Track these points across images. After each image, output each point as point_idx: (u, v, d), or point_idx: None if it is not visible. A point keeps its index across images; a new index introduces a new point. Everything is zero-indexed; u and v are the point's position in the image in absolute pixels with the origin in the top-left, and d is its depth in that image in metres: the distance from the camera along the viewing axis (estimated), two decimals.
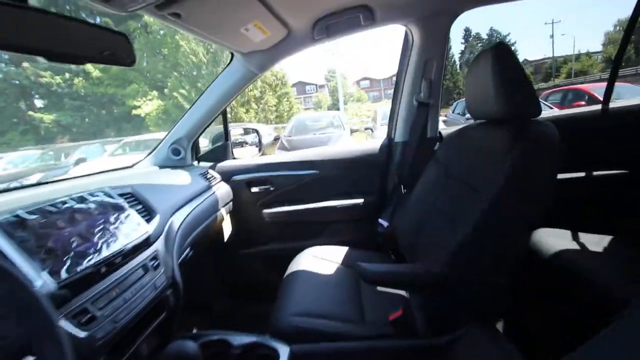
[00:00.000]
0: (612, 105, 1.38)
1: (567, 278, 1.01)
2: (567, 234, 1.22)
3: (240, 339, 0.86)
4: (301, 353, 0.82)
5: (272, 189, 1.53)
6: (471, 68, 0.93)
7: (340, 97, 15.76)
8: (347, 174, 1.51)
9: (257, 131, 1.88)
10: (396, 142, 1.47)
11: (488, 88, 0.84)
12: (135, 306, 0.69)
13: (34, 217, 0.62)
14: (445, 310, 0.82)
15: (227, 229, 1.44)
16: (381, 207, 1.45)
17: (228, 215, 1.44)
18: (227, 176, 1.52)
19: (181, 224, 1.01)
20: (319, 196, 1.52)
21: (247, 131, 1.91)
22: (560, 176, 1.32)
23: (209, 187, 1.34)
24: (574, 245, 1.14)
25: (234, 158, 1.65)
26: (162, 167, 1.41)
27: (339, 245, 1.33)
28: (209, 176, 1.41)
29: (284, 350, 0.82)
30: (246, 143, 2.05)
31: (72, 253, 0.62)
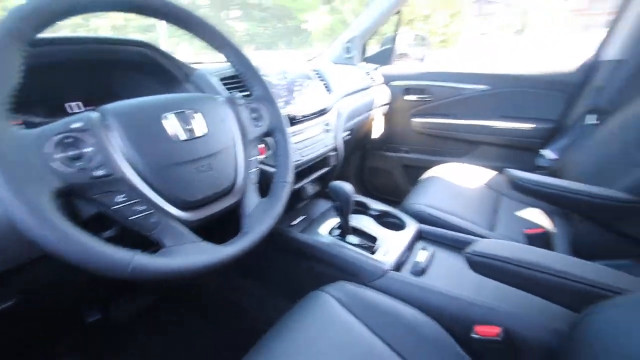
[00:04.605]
0: None
1: None
2: None
3: (376, 205, 1.04)
4: (426, 232, 0.94)
5: (428, 99, 1.53)
6: None
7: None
8: (522, 94, 1.35)
9: (424, 39, 1.80)
10: (602, 61, 1.18)
11: None
12: (312, 152, 0.92)
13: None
14: (597, 237, 0.76)
15: (377, 129, 1.57)
16: (552, 138, 1.28)
17: (383, 116, 1.56)
18: (387, 80, 1.59)
19: (346, 109, 1.19)
20: (479, 114, 1.44)
21: (417, 40, 1.84)
22: None
23: (370, 86, 1.46)
24: None
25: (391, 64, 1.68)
26: (334, 63, 1.59)
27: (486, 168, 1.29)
28: (371, 76, 1.51)
29: (413, 225, 0.95)
30: (407, 56, 1.98)
31: (281, 101, 0.86)
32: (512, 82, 1.36)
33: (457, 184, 1.18)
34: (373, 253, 0.83)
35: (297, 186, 0.93)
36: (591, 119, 1.14)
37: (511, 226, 0.95)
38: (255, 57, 0.88)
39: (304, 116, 0.91)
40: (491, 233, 0.92)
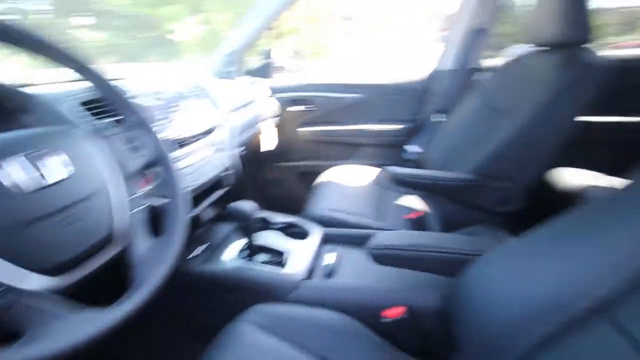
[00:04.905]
0: None
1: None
2: (593, 175, 1.26)
3: (279, 218, 1.04)
4: (331, 235, 1.00)
5: (313, 108, 1.63)
6: None
7: None
8: (388, 100, 1.58)
9: (299, 52, 1.91)
10: (441, 71, 1.48)
11: (549, 8, 0.86)
12: (205, 174, 0.87)
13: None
14: (459, 212, 0.95)
15: (270, 140, 1.59)
16: (413, 135, 1.53)
17: (275, 128, 1.58)
18: (273, 92, 1.62)
19: (237, 124, 1.16)
20: (358, 119, 1.61)
21: (293, 53, 1.93)
22: (606, 119, 1.32)
23: (256, 99, 1.46)
24: (595, 184, 1.19)
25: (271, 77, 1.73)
26: (216, 77, 1.53)
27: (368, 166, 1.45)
28: (257, 89, 1.52)
29: (317, 231, 0.99)
30: (283, 68, 2.06)
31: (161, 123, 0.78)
32: (379, 90, 1.58)
33: (348, 184, 1.29)
34: (283, 267, 0.83)
35: (193, 213, 0.86)
36: (439, 117, 1.41)
37: (396, 215, 1.09)
38: (121, 71, 0.77)
39: (191, 137, 0.84)
40: (382, 224, 1.04)
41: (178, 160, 0.78)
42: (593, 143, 1.19)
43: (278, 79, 1.69)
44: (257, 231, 0.97)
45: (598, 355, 0.37)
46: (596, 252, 0.42)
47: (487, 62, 1.45)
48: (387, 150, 1.63)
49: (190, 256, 0.86)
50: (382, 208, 1.14)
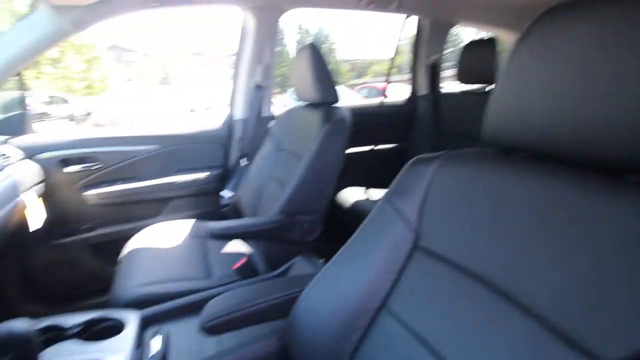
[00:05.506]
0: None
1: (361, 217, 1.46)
2: (362, 190, 1.71)
3: (74, 319, 0.80)
4: (152, 315, 0.86)
5: (96, 167, 1.37)
6: (295, 60, 1.18)
7: None
8: (190, 149, 1.54)
9: (64, 99, 1.57)
10: (236, 120, 1.60)
11: (305, 77, 1.10)
12: None
13: None
14: (278, 249, 1.05)
15: (37, 216, 1.20)
16: (225, 180, 1.56)
17: (40, 199, 1.20)
18: (30, 153, 1.25)
19: None
20: (158, 172, 1.48)
21: (54, 100, 1.55)
22: (357, 149, 1.82)
23: (4, 166, 1.08)
24: (365, 197, 1.63)
25: (33, 132, 1.35)
26: None
27: (183, 219, 1.36)
28: (5, 151, 1.13)
29: (133, 317, 0.83)
30: (47, 115, 1.66)
31: None
32: (178, 140, 1.52)
33: (163, 246, 1.16)
34: None
35: None
36: (244, 162, 1.52)
37: (224, 267, 1.08)
38: None
39: None
40: (211, 282, 1.00)
41: None
42: (356, 167, 1.62)
43: (41, 135, 1.32)
44: (45, 348, 0.72)
45: (388, 341, 0.52)
46: (373, 260, 0.58)
47: (276, 109, 1.68)
48: (202, 199, 1.58)
49: None
50: (207, 264, 1.10)
